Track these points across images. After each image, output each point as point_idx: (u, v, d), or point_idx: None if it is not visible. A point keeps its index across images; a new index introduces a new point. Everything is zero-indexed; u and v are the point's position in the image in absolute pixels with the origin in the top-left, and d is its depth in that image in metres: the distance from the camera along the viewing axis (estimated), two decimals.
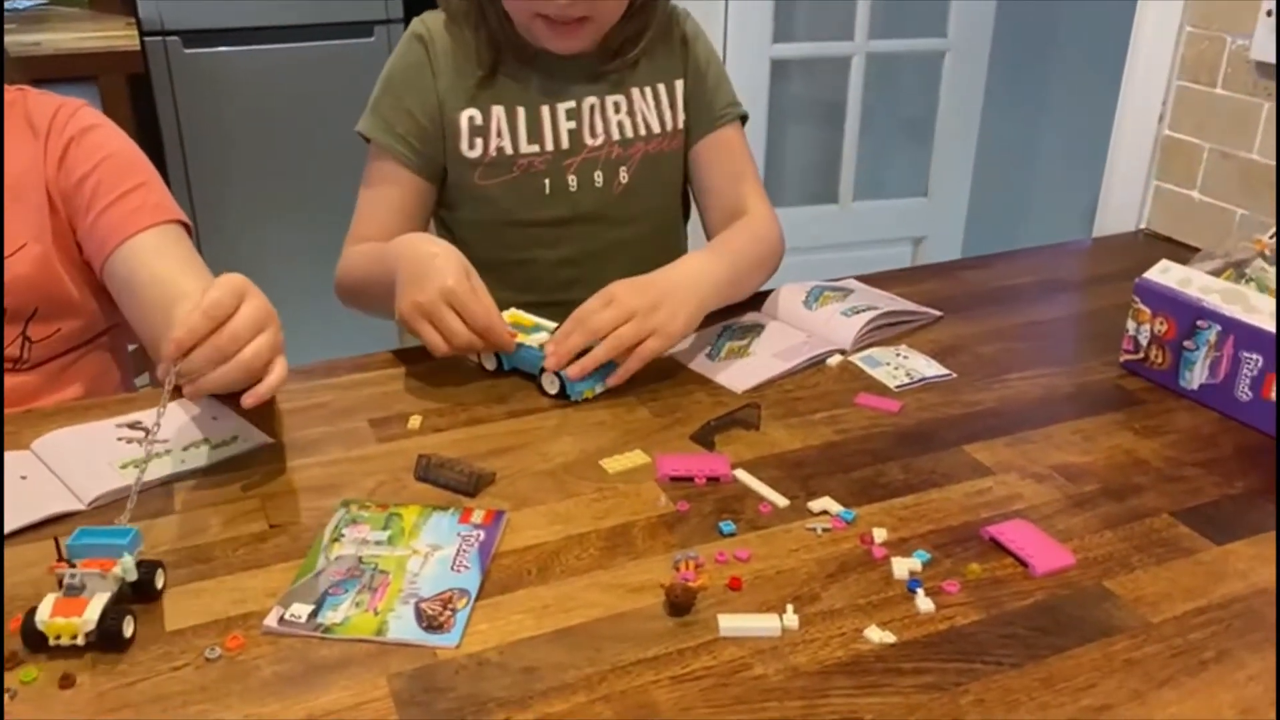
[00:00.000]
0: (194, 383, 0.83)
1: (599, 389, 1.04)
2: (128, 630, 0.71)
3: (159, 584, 0.76)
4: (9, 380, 1.10)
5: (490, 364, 1.09)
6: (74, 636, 0.69)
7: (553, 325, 1.09)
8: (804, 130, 2.93)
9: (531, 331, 1.09)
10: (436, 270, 0.99)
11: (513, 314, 1.13)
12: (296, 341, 0.95)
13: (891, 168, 3.02)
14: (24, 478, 0.89)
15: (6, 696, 0.66)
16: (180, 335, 0.79)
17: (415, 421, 0.99)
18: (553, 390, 1.04)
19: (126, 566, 0.73)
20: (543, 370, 1.04)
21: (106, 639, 0.70)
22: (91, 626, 0.69)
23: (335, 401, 1.03)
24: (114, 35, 2.41)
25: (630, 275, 1.07)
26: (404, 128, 1.20)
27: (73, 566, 0.72)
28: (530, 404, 1.04)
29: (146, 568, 0.75)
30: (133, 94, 2.30)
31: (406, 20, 2.72)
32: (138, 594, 0.74)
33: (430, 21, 1.22)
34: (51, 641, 0.69)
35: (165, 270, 1.07)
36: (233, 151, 2.60)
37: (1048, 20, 2.98)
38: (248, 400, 0.84)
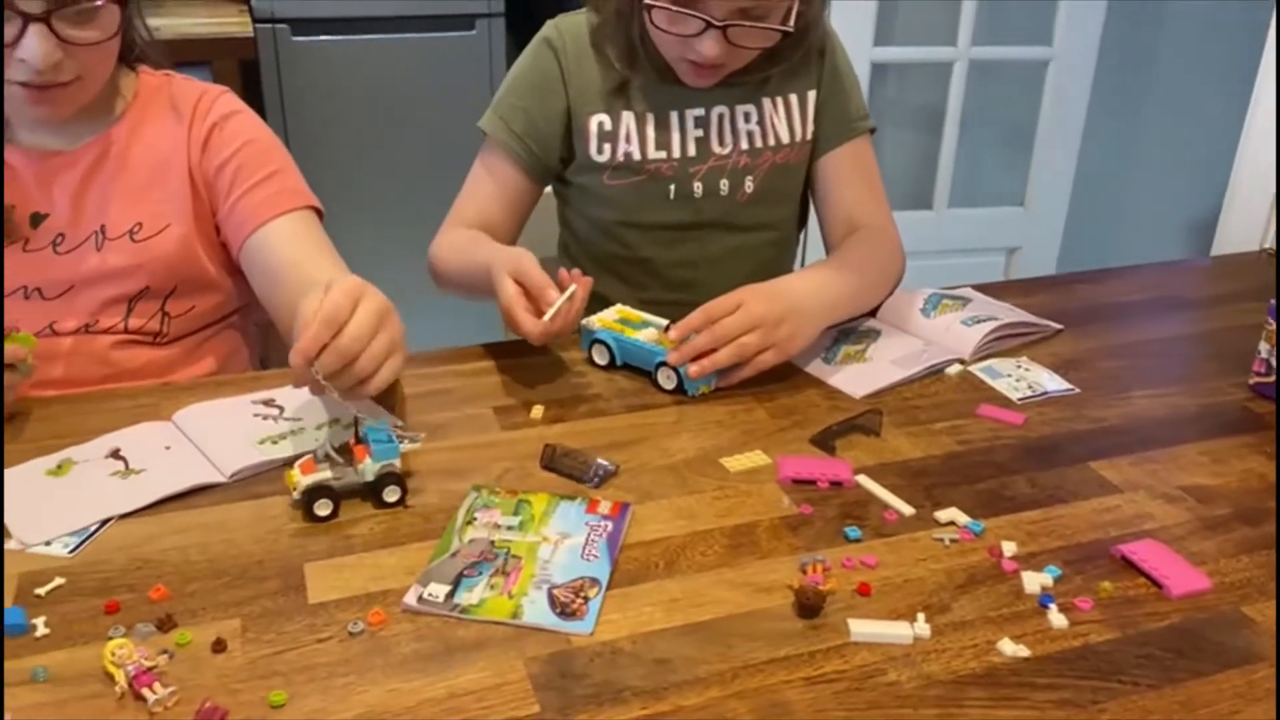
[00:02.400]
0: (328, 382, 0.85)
1: (713, 384, 1.05)
2: (321, 510, 0.83)
3: (389, 498, 0.85)
4: (149, 353, 1.14)
5: (602, 358, 1.10)
6: (294, 488, 0.83)
7: (662, 321, 1.10)
8: (901, 135, 2.90)
9: (640, 327, 1.10)
10: (495, 287, 1.04)
11: (621, 309, 1.14)
12: None
13: (988, 175, 2.98)
14: (168, 448, 0.92)
15: (164, 657, 0.69)
16: (304, 345, 0.81)
17: (538, 411, 1.01)
18: (669, 385, 1.05)
19: (366, 467, 0.84)
20: (660, 365, 1.05)
21: (307, 504, 0.83)
22: (300, 491, 0.82)
23: (460, 388, 1.05)
24: (228, 22, 2.47)
25: (745, 281, 1.07)
26: (520, 128, 1.23)
27: (347, 447, 0.85)
28: (647, 399, 1.05)
29: (385, 480, 0.85)
30: (243, 79, 2.37)
31: (508, 14, 2.76)
32: (367, 494, 0.85)
33: (564, 26, 1.24)
34: (288, 482, 0.84)
35: (298, 255, 1.10)
36: (333, 138, 2.65)
37: (1154, 32, 2.91)
38: (354, 395, 0.87)
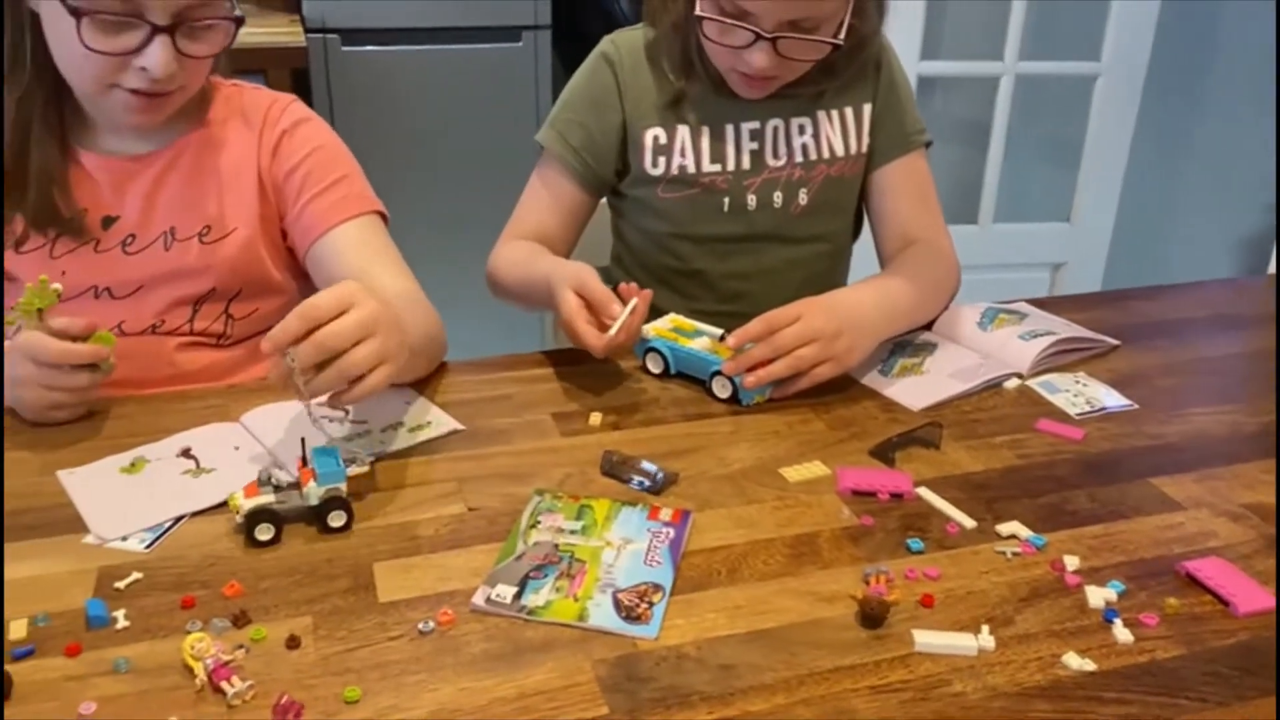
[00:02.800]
0: (306, 384, 0.83)
1: (769, 394, 1.05)
2: (262, 535, 0.82)
3: (333, 523, 0.83)
4: (212, 355, 1.16)
5: (656, 367, 1.11)
6: (237, 511, 0.82)
7: (716, 331, 1.11)
8: (946, 148, 2.89)
9: (694, 336, 1.11)
10: (556, 300, 1.06)
11: (674, 318, 1.15)
12: None
13: (1033, 191, 2.97)
14: (237, 448, 0.94)
15: (240, 652, 0.71)
16: (274, 333, 0.80)
17: (596, 418, 1.02)
18: (724, 394, 1.06)
19: (310, 491, 0.83)
20: (715, 374, 1.06)
21: (248, 528, 0.82)
22: (242, 515, 0.81)
23: (519, 394, 1.07)
24: (281, 32, 2.52)
25: (798, 294, 1.08)
26: (577, 141, 1.25)
27: (302, 466, 0.85)
28: (703, 408, 1.05)
29: (330, 504, 0.83)
30: (294, 88, 2.40)
31: (554, 26, 2.79)
32: (312, 519, 0.84)
33: (620, 41, 1.25)
34: (231, 505, 0.83)
35: (362, 261, 1.12)
36: (381, 147, 2.68)
37: (1203, 47, 2.89)
38: (337, 400, 0.85)
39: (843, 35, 1.12)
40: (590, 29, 2.96)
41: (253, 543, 0.82)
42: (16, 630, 0.73)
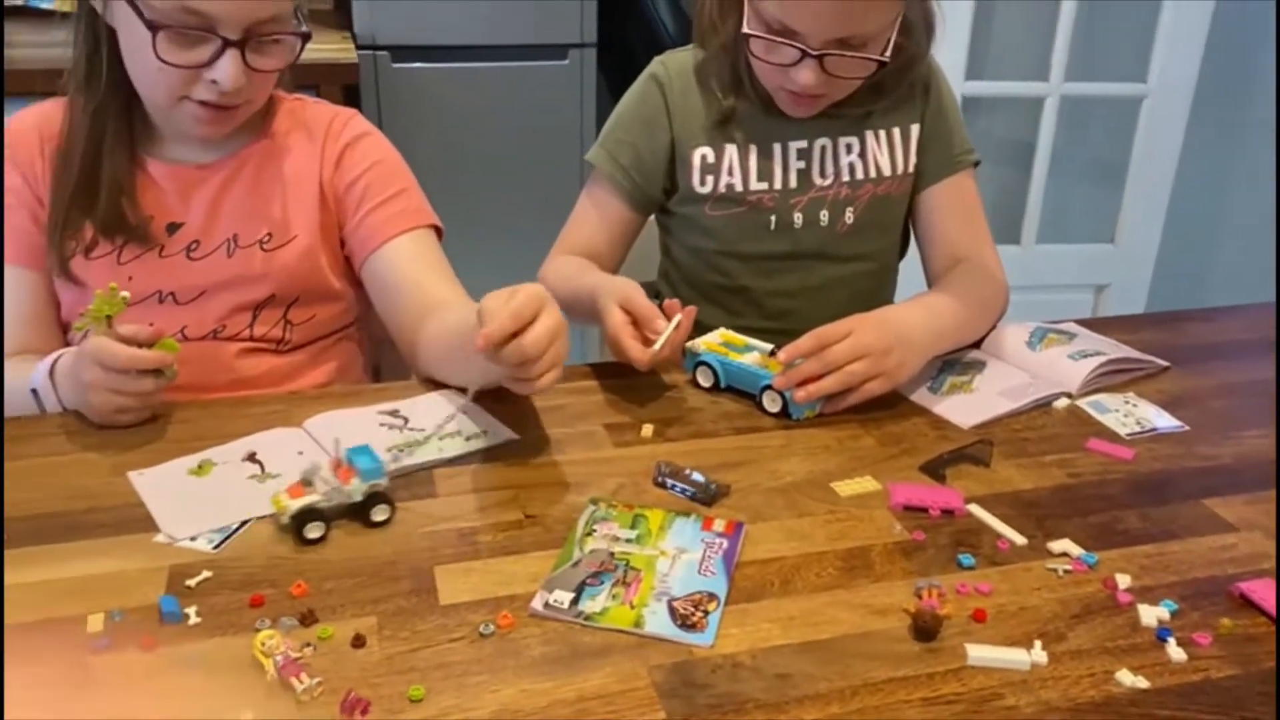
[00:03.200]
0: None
1: (819, 409, 1.06)
2: (312, 533, 0.85)
3: (377, 517, 0.86)
4: (272, 360, 1.19)
5: (706, 380, 1.13)
6: (283, 512, 0.84)
7: (766, 346, 1.12)
8: (989, 168, 2.88)
9: (744, 350, 1.12)
10: (601, 313, 1.09)
11: (724, 333, 1.17)
12: None
13: (1077, 211, 2.95)
14: (300, 453, 0.97)
15: (308, 649, 0.73)
16: (490, 331, 0.84)
17: (647, 430, 1.04)
18: (774, 409, 1.07)
19: (353, 488, 0.86)
20: (765, 389, 1.07)
21: (296, 527, 0.84)
22: (289, 516, 0.84)
23: (571, 405, 1.08)
24: (333, 48, 2.57)
25: (844, 312, 1.08)
26: (626, 160, 1.28)
27: (337, 466, 0.88)
28: (753, 422, 1.07)
29: (372, 500, 0.86)
30: (345, 103, 2.45)
31: (600, 44, 2.82)
32: (356, 514, 0.86)
33: (670, 63, 1.28)
34: (276, 507, 0.85)
35: (418, 273, 1.16)
36: (429, 161, 2.71)
37: (1251, 70, 2.87)
38: (526, 389, 0.91)
39: (888, 53, 1.14)
40: (635, 47, 3.00)
41: (303, 541, 0.84)
42: (93, 624, 0.75)
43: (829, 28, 1.10)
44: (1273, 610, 0.79)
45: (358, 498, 0.86)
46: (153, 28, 1.02)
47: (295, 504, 0.84)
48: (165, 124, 1.15)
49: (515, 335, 0.85)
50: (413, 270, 1.16)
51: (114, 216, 1.14)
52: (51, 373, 1.05)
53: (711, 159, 1.25)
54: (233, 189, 1.17)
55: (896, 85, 1.23)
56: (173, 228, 1.17)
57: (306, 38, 1.11)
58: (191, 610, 0.76)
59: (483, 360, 0.88)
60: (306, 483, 0.86)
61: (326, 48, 2.56)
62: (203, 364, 1.15)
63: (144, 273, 1.14)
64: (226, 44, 1.04)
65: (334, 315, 1.24)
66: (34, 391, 1.06)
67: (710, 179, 1.25)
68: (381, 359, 1.39)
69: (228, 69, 1.05)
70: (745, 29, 1.13)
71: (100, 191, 1.13)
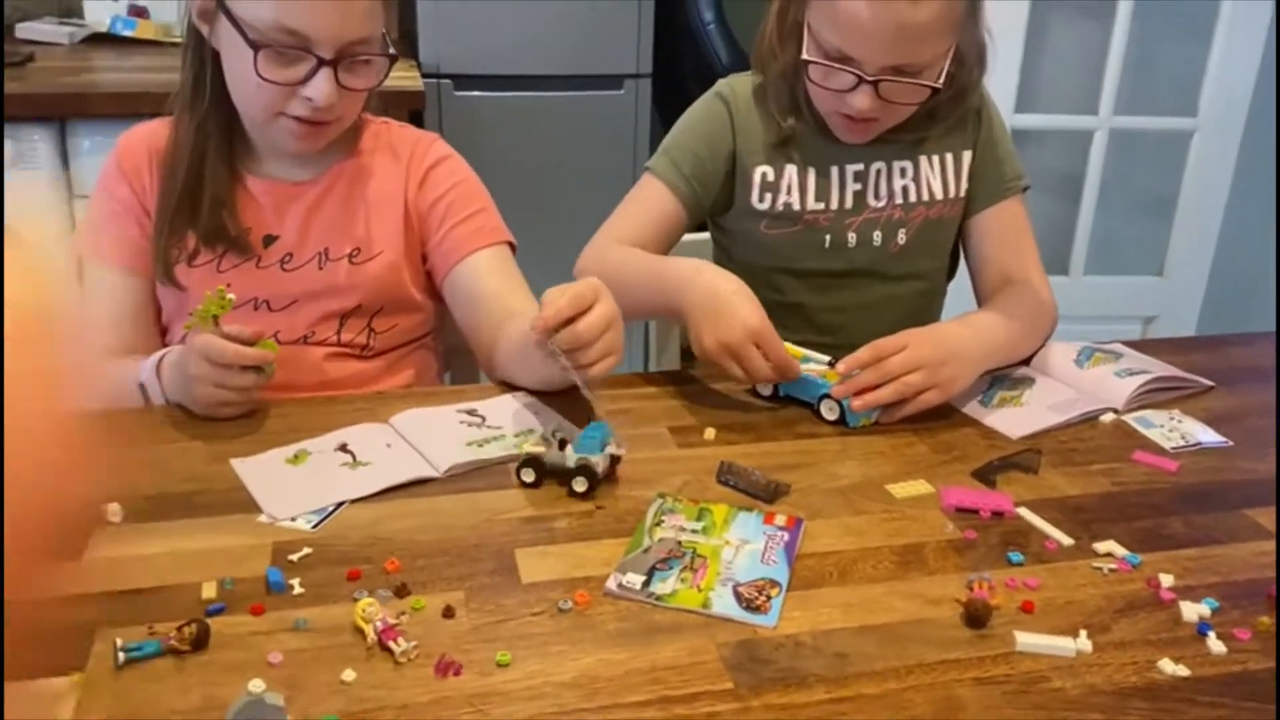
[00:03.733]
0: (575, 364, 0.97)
1: (875, 418, 1.12)
2: (525, 477, 0.97)
3: (577, 487, 0.96)
4: (356, 365, 1.27)
5: (766, 390, 1.18)
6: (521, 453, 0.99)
7: (824, 358, 1.17)
8: (1038, 199, 2.92)
9: (802, 362, 1.18)
10: (738, 310, 1.09)
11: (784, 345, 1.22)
12: None
13: (1126, 243, 2.97)
14: (388, 445, 1.04)
15: (404, 618, 0.79)
16: (547, 316, 0.91)
17: (710, 433, 1.09)
18: (831, 417, 1.12)
19: (569, 455, 0.97)
20: (823, 398, 1.13)
21: (518, 468, 0.98)
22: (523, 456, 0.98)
23: (637, 410, 1.15)
24: (400, 76, 2.67)
25: (893, 329, 1.13)
26: (688, 169, 1.33)
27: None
28: (812, 429, 1.12)
29: (579, 470, 0.96)
30: None
31: (655, 74, 2.90)
32: (565, 478, 0.97)
33: (736, 85, 1.35)
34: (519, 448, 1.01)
35: (498, 285, 1.24)
36: (487, 184, 2.82)
37: None
38: (581, 376, 0.98)
39: (942, 80, 1.19)
40: (688, 77, 3.09)
41: (521, 483, 0.97)
42: (207, 590, 0.82)
43: (885, 56, 1.16)
44: None
45: (570, 464, 0.95)
46: (255, 46, 1.11)
47: (527, 449, 0.97)
48: (262, 141, 1.24)
49: (570, 322, 0.92)
50: (491, 282, 1.24)
51: (215, 227, 1.23)
52: (158, 368, 1.13)
53: (771, 177, 1.31)
54: (324, 206, 1.26)
55: (950, 113, 1.29)
56: (269, 240, 1.25)
57: (393, 60, 1.19)
58: (295, 581, 0.83)
59: (546, 355, 0.95)
60: (546, 439, 1.00)
61: (394, 75, 2.66)
62: (293, 366, 1.23)
63: (241, 280, 1.22)
64: (320, 63, 1.12)
65: (414, 325, 1.31)
66: (141, 385, 1.14)
67: (769, 196, 1.31)
68: (453, 368, 1.46)
69: (321, 86, 1.13)
70: (804, 55, 1.20)
71: (203, 204, 1.22)
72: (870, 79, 1.17)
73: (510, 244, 1.30)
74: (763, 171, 1.31)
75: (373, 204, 1.27)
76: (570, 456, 0.96)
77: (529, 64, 2.85)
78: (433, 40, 2.75)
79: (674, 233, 1.37)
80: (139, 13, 2.76)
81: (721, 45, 3.07)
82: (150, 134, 1.27)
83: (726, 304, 1.10)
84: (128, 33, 2.70)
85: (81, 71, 2.45)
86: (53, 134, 2.24)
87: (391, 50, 1.19)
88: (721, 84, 1.36)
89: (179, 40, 2.72)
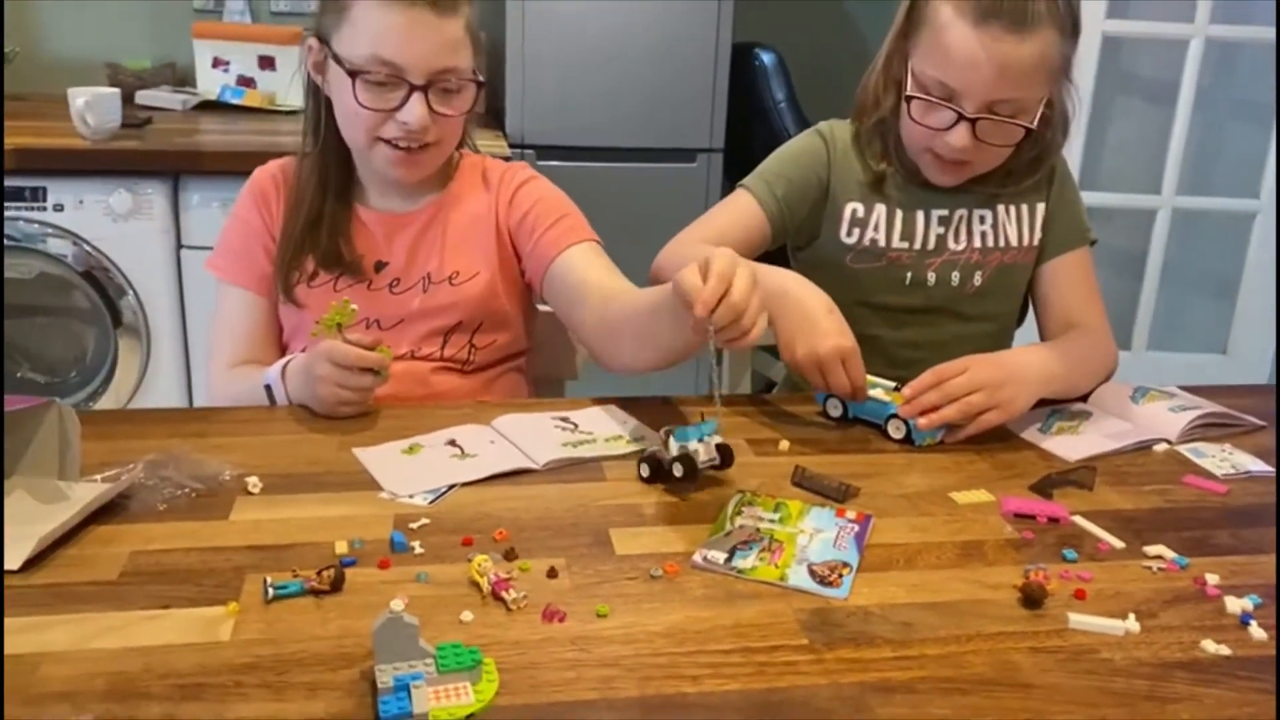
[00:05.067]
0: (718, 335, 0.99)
1: (939, 437, 1.20)
2: (675, 471, 1.05)
3: (675, 471, 1.04)
4: (458, 380, 1.39)
5: (835, 411, 1.27)
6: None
7: (890, 384, 1.26)
8: (1102, 276, 2.99)
9: (870, 387, 1.26)
10: (832, 327, 1.19)
11: None
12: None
13: (1189, 321, 3.02)
14: (492, 442, 1.15)
15: (513, 577, 0.89)
16: (707, 296, 0.95)
17: (785, 445, 1.18)
18: (898, 435, 1.21)
19: (671, 445, 1.05)
20: (890, 417, 1.21)
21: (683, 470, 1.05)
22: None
23: None
24: (489, 145, 2.84)
25: None
26: (781, 191, 1.42)
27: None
28: (879, 446, 1.21)
29: (681, 459, 1.04)
30: None
31: (727, 149, 3.05)
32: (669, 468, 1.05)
33: (835, 127, 1.46)
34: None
35: (596, 273, 1.32)
36: None
37: None
38: (742, 344, 0.99)
39: (1035, 123, 1.29)
40: (758, 152, 3.22)
41: (639, 477, 1.08)
42: (340, 547, 0.93)
43: (988, 90, 1.25)
44: None
45: (673, 453, 1.04)
46: (352, 75, 1.26)
47: (651, 449, 1.08)
48: (367, 171, 1.38)
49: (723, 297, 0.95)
50: (589, 271, 1.32)
51: (332, 252, 1.36)
52: (283, 372, 1.26)
53: (861, 214, 1.41)
54: (427, 235, 1.39)
55: (1028, 175, 1.40)
56: (379, 265, 1.38)
57: (481, 85, 1.32)
58: (415, 544, 0.94)
59: (683, 327, 1.01)
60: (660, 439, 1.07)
61: (482, 144, 2.84)
62: (403, 379, 1.35)
63: (355, 301, 1.35)
64: (412, 89, 1.26)
65: (509, 341, 1.43)
66: (267, 387, 1.27)
67: (857, 231, 1.41)
68: (540, 395, 1.57)
69: (414, 110, 1.26)
70: (908, 91, 1.30)
71: (322, 231, 1.36)
72: (970, 116, 1.27)
73: (599, 244, 1.39)
74: (853, 208, 1.42)
75: (468, 229, 1.40)
76: (672, 446, 1.05)
77: (607, 137, 3.01)
78: (518, 113, 2.94)
79: (756, 247, 1.44)
80: (247, 83, 2.99)
81: (792, 122, 3.22)
82: (280, 168, 1.42)
83: (823, 320, 1.20)
84: (236, 100, 2.93)
85: (193, 133, 2.66)
86: (167, 189, 2.44)
87: (480, 77, 1.32)
88: (821, 125, 1.47)
89: (282, 108, 2.94)
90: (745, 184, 1.45)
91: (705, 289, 0.95)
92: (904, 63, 1.33)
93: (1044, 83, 1.29)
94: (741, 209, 1.44)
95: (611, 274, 1.34)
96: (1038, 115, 1.30)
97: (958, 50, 1.25)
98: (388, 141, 1.29)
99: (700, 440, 1.05)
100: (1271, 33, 2.65)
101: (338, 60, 1.27)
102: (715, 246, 1.35)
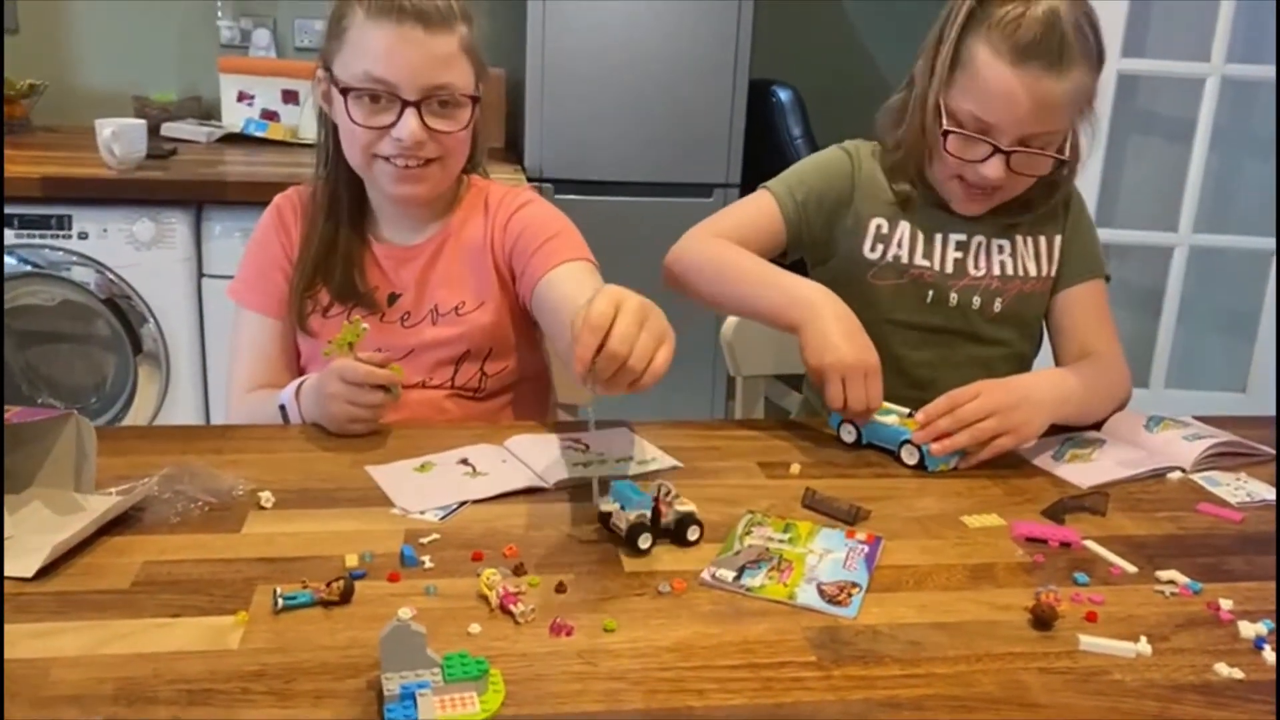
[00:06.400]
0: (608, 387, 0.93)
1: (953, 463, 1.19)
2: (642, 544, 0.97)
3: (642, 544, 0.97)
4: (471, 405, 1.39)
5: (849, 437, 1.27)
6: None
7: (904, 410, 1.26)
8: (1119, 313, 2.98)
9: (884, 414, 1.26)
10: (856, 342, 1.22)
11: None
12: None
13: (1208, 360, 3.00)
14: (504, 461, 1.15)
15: (523, 588, 0.89)
16: (580, 354, 0.90)
17: (796, 468, 1.19)
18: (912, 461, 1.21)
19: (625, 513, 0.98)
20: (904, 443, 1.21)
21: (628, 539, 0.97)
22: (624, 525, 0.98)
23: (727, 447, 1.24)
24: (506, 178, 2.87)
25: None
26: (801, 195, 1.43)
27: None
28: (892, 470, 1.21)
29: (637, 529, 0.97)
30: None
31: (744, 185, 3.07)
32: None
33: (861, 145, 1.48)
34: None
35: (576, 293, 1.26)
36: None
37: None
38: (642, 386, 0.93)
39: (1065, 153, 1.31)
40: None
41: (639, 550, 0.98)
42: (350, 560, 0.93)
43: (1025, 125, 1.27)
44: None
45: (630, 521, 0.97)
46: (345, 91, 1.28)
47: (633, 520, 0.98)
48: (377, 197, 1.39)
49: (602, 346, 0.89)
50: (571, 291, 1.27)
51: (347, 285, 1.38)
52: (297, 392, 1.27)
53: (885, 230, 1.42)
54: (434, 267, 1.39)
55: (1041, 204, 1.41)
56: (392, 298, 1.39)
57: (476, 101, 1.31)
58: (425, 558, 0.94)
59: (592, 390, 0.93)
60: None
61: (501, 177, 2.87)
62: (417, 408, 1.36)
63: (372, 335, 1.34)
64: (405, 104, 1.26)
65: (517, 366, 1.43)
66: (282, 407, 1.28)
67: (880, 247, 1.42)
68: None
69: (407, 125, 1.27)
70: (945, 126, 1.31)
71: (336, 262, 1.38)
72: (1005, 149, 1.29)
73: (594, 263, 1.37)
74: (878, 223, 1.43)
75: (469, 258, 1.40)
76: (623, 517, 0.97)
77: (625, 171, 3.05)
78: (537, 147, 2.98)
79: (770, 248, 1.44)
80: (270, 116, 3.05)
81: (806, 154, 3.24)
82: (299, 194, 1.44)
83: (850, 333, 1.23)
84: (259, 134, 2.98)
85: (217, 164, 2.71)
86: (190, 218, 2.48)
87: (475, 93, 1.32)
88: (846, 142, 1.49)
89: (304, 141, 2.98)
90: (768, 185, 1.46)
91: (577, 349, 0.90)
92: (938, 98, 1.33)
93: (1075, 113, 1.32)
94: (760, 208, 1.44)
95: (589, 292, 1.32)
96: (1068, 146, 1.31)
97: (997, 89, 1.26)
98: (386, 159, 1.31)
99: (629, 507, 0.98)
100: None
101: (336, 83, 1.29)
102: (739, 248, 1.35)
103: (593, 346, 0.90)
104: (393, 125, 1.28)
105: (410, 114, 1.27)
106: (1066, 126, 1.31)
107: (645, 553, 0.97)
